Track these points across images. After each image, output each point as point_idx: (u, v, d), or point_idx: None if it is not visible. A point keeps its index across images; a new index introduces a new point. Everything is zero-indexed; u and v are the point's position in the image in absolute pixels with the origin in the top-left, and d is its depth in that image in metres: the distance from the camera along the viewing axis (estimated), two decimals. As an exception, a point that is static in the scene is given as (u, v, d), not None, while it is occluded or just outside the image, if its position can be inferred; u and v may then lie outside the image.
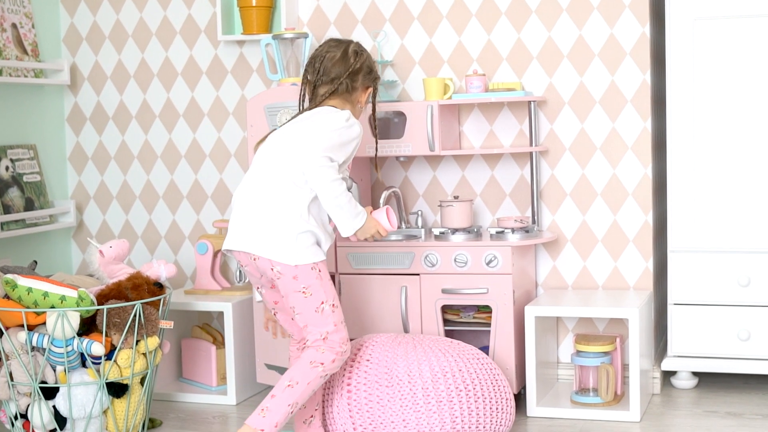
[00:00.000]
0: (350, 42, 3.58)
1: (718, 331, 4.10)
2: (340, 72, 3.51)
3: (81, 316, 3.61)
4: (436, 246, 4.02)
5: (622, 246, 4.24)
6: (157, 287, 3.80)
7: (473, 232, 4.09)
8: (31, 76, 4.60)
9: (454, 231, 4.09)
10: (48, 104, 4.79)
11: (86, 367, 3.67)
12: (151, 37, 4.73)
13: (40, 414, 3.64)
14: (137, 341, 3.70)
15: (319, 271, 3.33)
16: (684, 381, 4.24)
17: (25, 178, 4.55)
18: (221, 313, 4.67)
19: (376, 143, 3.72)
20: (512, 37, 4.30)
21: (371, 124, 3.70)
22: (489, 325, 4.09)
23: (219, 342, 4.43)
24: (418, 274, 4.05)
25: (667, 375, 4.36)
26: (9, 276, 3.62)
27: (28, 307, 3.61)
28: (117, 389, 3.68)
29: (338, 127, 3.37)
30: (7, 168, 4.47)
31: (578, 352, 3.99)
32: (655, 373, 4.20)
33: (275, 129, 3.57)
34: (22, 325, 3.62)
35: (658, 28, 4.38)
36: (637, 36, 4.16)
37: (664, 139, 4.51)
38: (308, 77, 3.56)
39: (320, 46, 3.58)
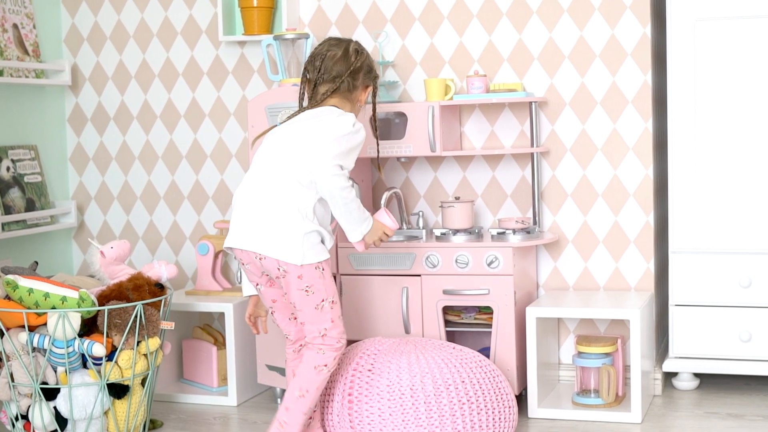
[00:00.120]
0: (350, 41, 3.58)
1: (719, 332, 4.09)
2: (342, 70, 3.51)
3: (82, 316, 3.61)
4: (437, 247, 4.02)
5: (624, 247, 4.24)
6: (158, 288, 3.80)
7: (474, 233, 4.09)
8: (32, 77, 4.60)
9: (455, 232, 4.09)
10: (49, 105, 4.79)
11: (87, 368, 3.67)
12: (152, 38, 4.73)
13: (41, 415, 3.64)
14: (138, 342, 3.70)
15: (323, 270, 3.36)
16: (685, 382, 4.24)
17: (26, 179, 4.55)
18: (222, 314, 4.67)
19: (377, 144, 3.72)
20: (513, 38, 4.30)
21: (372, 125, 3.70)
22: (490, 326, 4.09)
23: (220, 343, 4.43)
24: (419, 275, 4.05)
25: (669, 376, 4.35)
26: (10, 277, 3.62)
27: (29, 308, 3.60)
28: (118, 390, 3.68)
29: (346, 133, 3.37)
30: (8, 168, 4.47)
31: (579, 353, 3.99)
32: (656, 374, 4.20)
33: (275, 126, 3.56)
34: (23, 326, 3.62)
35: (659, 28, 4.38)
36: (638, 37, 4.16)
37: (665, 139, 4.50)
38: (308, 75, 3.56)
39: (320, 44, 3.57)
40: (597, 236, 4.26)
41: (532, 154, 4.23)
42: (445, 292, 4.00)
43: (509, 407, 3.67)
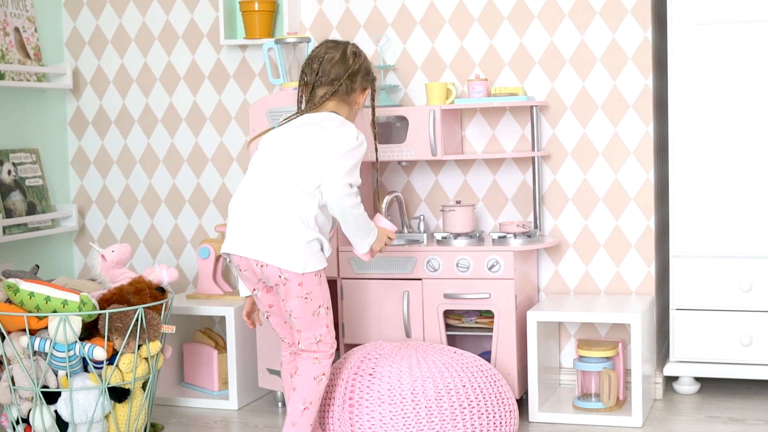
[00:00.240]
0: (347, 43, 3.58)
1: (720, 336, 4.09)
2: (340, 73, 3.51)
3: (83, 320, 3.61)
4: (438, 251, 4.02)
5: (624, 251, 4.24)
6: (159, 292, 3.80)
7: (475, 236, 4.09)
8: (34, 80, 4.60)
9: (456, 236, 4.09)
10: (50, 108, 4.79)
11: (88, 372, 3.67)
12: (153, 42, 4.73)
13: (42, 419, 3.64)
14: (139, 346, 3.70)
15: (321, 277, 3.38)
16: (686, 386, 4.23)
17: (27, 182, 4.55)
18: (223, 318, 4.67)
19: (376, 147, 3.71)
20: (514, 42, 4.30)
21: (372, 128, 3.70)
22: (491, 330, 4.09)
23: (221, 346, 4.43)
24: (420, 279, 4.05)
25: (670, 380, 4.35)
26: (11, 280, 3.62)
27: (29, 312, 3.60)
28: (119, 394, 3.68)
29: (351, 148, 3.38)
30: (9, 172, 4.47)
31: (580, 357, 3.98)
32: (657, 378, 4.20)
33: (272, 128, 3.55)
34: (24, 330, 3.62)
35: (660, 33, 4.38)
36: (639, 41, 4.16)
37: (666, 144, 4.50)
38: (306, 78, 3.55)
39: (317, 47, 3.57)
40: (598, 240, 4.26)
41: (533, 158, 4.23)
42: (446, 296, 4.00)
43: (510, 411, 3.67)
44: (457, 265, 3.99)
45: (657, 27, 4.31)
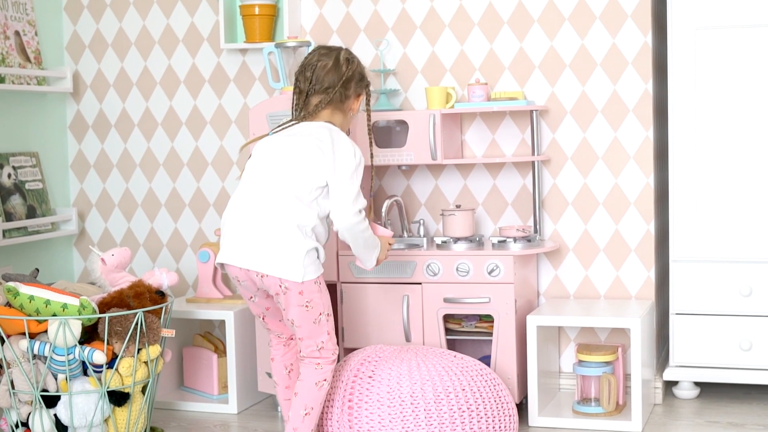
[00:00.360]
0: (340, 49, 3.57)
1: (720, 341, 4.09)
2: (333, 81, 3.50)
3: (83, 324, 3.61)
4: (438, 255, 4.02)
5: (624, 255, 4.24)
6: (159, 295, 3.80)
7: (475, 241, 4.09)
8: (34, 84, 4.60)
9: (456, 240, 4.09)
10: (50, 112, 4.79)
11: (87, 376, 3.67)
12: (153, 45, 4.74)
13: (41, 422, 3.64)
14: (139, 349, 3.70)
15: (320, 284, 3.39)
16: (686, 391, 4.23)
17: (27, 186, 4.55)
18: (223, 322, 4.67)
19: (371, 152, 3.71)
20: (514, 46, 4.30)
21: (369, 133, 3.69)
22: (491, 334, 4.09)
23: (220, 350, 4.43)
24: (420, 283, 4.05)
25: (669, 385, 4.35)
26: (11, 284, 3.62)
27: (29, 315, 3.60)
28: (118, 398, 3.68)
29: (354, 168, 3.40)
30: (9, 175, 4.47)
31: (580, 362, 3.98)
32: (656, 383, 4.19)
33: (265, 135, 3.55)
34: (24, 333, 3.61)
35: (660, 37, 4.38)
36: (639, 45, 4.16)
37: (666, 148, 4.51)
38: (300, 86, 3.55)
39: (310, 53, 3.56)
40: (598, 245, 4.26)
41: (533, 162, 4.23)
42: (445, 300, 4.00)
43: (509, 415, 3.66)
44: (456, 269, 3.99)
45: (657, 32, 4.31)
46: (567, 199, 4.29)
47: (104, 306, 3.71)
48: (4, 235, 4.36)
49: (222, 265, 3.44)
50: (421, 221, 4.30)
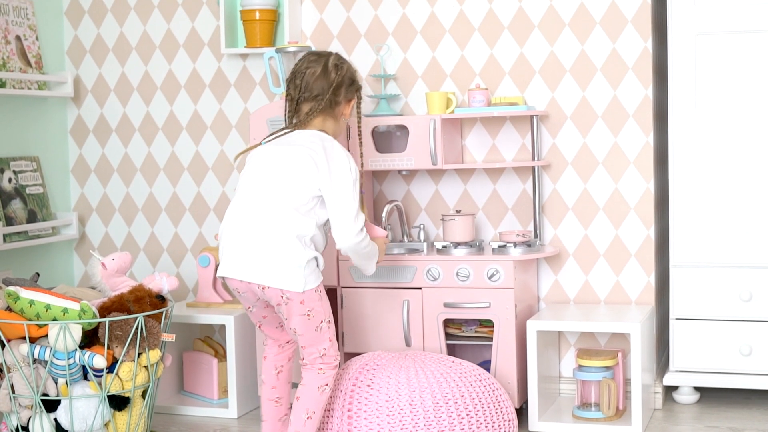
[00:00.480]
0: (329, 54, 3.56)
1: (720, 346, 4.09)
2: (323, 88, 3.50)
3: (83, 328, 3.61)
4: (438, 260, 4.02)
5: (624, 260, 4.24)
6: (159, 300, 3.80)
7: (475, 246, 4.09)
8: (35, 89, 4.61)
9: (456, 245, 4.10)
10: (51, 116, 4.80)
11: (88, 380, 3.67)
12: (154, 50, 4.74)
13: (42, 427, 3.64)
14: (139, 354, 3.70)
15: (320, 292, 3.40)
16: (686, 396, 4.23)
17: (27, 190, 4.56)
18: (223, 326, 4.67)
19: (361, 153, 3.72)
20: (515, 52, 4.31)
21: (358, 137, 3.70)
22: (491, 339, 4.09)
23: (221, 355, 4.43)
24: (420, 288, 4.05)
25: (669, 390, 4.35)
26: (11, 288, 3.62)
27: (30, 320, 3.61)
28: (118, 402, 3.68)
29: (351, 183, 3.40)
30: (10, 180, 4.47)
31: (580, 367, 3.98)
32: (656, 388, 4.20)
33: (258, 144, 3.55)
34: (24, 338, 3.62)
35: (660, 43, 4.39)
36: (639, 51, 4.17)
37: (666, 153, 4.51)
38: (290, 94, 3.55)
39: (299, 60, 3.56)
40: (598, 250, 4.26)
41: (533, 167, 4.23)
42: (445, 305, 4.00)
43: (509, 421, 3.66)
44: (457, 274, 3.99)
45: (657, 37, 4.32)
46: (567, 204, 4.29)
47: (104, 310, 3.71)
48: (4, 240, 4.36)
49: (223, 278, 3.44)
50: (422, 226, 4.31)
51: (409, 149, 4.12)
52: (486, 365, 4.24)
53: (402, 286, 4.06)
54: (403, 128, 4.26)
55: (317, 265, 3.39)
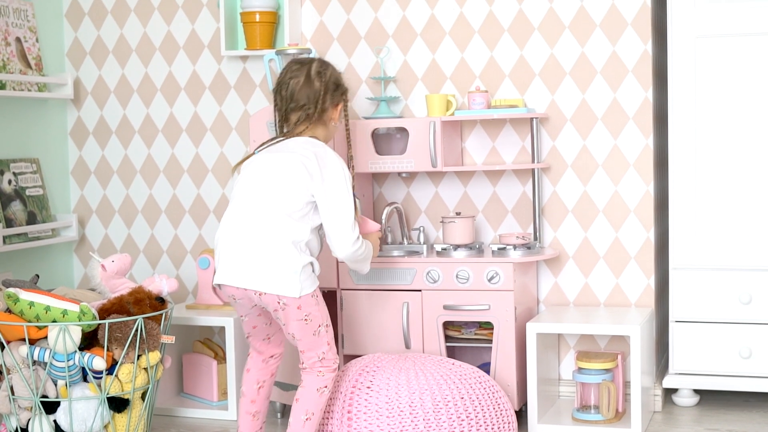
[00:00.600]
0: (312, 62, 3.57)
1: (719, 348, 4.09)
2: (308, 98, 3.51)
3: (82, 330, 3.61)
4: (437, 262, 4.02)
5: (624, 263, 4.24)
6: (159, 302, 3.80)
7: (475, 248, 4.09)
8: (35, 90, 4.61)
9: (456, 247, 4.10)
10: (51, 118, 4.80)
11: (87, 382, 3.67)
12: (154, 52, 4.74)
13: (41, 428, 3.64)
14: (139, 356, 3.70)
15: (317, 297, 3.42)
16: (685, 398, 4.23)
17: (27, 192, 4.56)
18: (222, 328, 4.67)
19: (351, 157, 3.72)
20: (515, 54, 4.31)
21: (347, 139, 3.70)
22: (490, 341, 4.09)
23: (220, 357, 4.43)
24: (419, 290, 4.05)
25: (669, 392, 4.35)
26: (11, 290, 3.62)
27: (29, 321, 3.61)
28: (118, 404, 3.68)
29: (347, 189, 3.43)
30: (9, 181, 4.47)
31: (580, 369, 3.98)
32: (656, 390, 4.19)
33: (253, 154, 3.56)
34: (24, 339, 3.62)
35: (660, 45, 4.39)
36: (639, 53, 4.17)
37: (666, 156, 4.51)
38: (278, 104, 3.57)
39: (283, 70, 3.57)
40: (597, 252, 4.27)
41: (533, 169, 4.23)
42: (445, 307, 4.00)
43: (509, 423, 3.66)
44: (456, 276, 3.99)
45: (657, 40, 4.32)
46: (567, 207, 4.29)
47: (104, 312, 3.71)
48: (4, 241, 4.36)
49: (219, 285, 3.45)
50: (421, 228, 4.31)
51: (409, 151, 4.12)
52: (486, 367, 4.23)
53: (402, 289, 4.06)
54: (403, 130, 4.26)
55: (313, 270, 3.40)
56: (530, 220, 4.33)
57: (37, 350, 3.59)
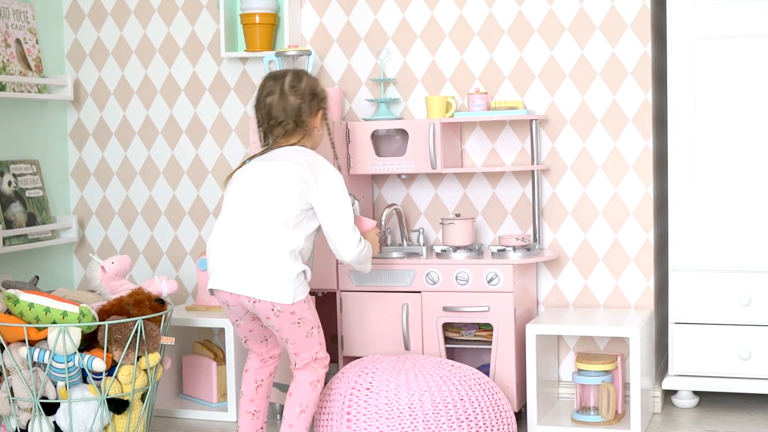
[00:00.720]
0: (286, 74, 3.57)
1: (718, 350, 4.10)
2: (285, 113, 3.52)
3: (82, 331, 3.61)
4: (437, 264, 4.02)
5: (623, 265, 4.24)
6: (159, 303, 3.80)
7: (474, 250, 4.10)
8: (35, 92, 4.61)
9: (456, 249, 4.10)
10: (51, 120, 4.80)
11: (87, 383, 3.67)
12: (154, 54, 4.75)
13: (41, 430, 3.64)
14: (138, 357, 3.70)
15: (308, 302, 3.46)
16: (685, 400, 4.23)
17: (27, 194, 4.56)
18: (222, 330, 4.67)
19: (336, 155, 3.74)
20: (514, 56, 4.31)
21: (332, 146, 3.71)
22: (490, 343, 4.09)
23: (220, 358, 4.43)
24: (419, 292, 4.05)
25: (668, 394, 4.35)
26: (11, 291, 3.62)
27: (29, 323, 3.61)
28: (118, 405, 3.68)
29: (343, 193, 3.46)
30: (9, 183, 4.48)
31: (579, 371, 3.98)
32: (655, 392, 4.20)
33: (244, 163, 3.56)
34: (24, 341, 3.62)
35: (659, 47, 4.39)
36: (638, 55, 4.17)
37: (666, 158, 4.51)
38: (258, 120, 3.58)
39: (260, 86, 3.58)
40: (597, 254, 4.27)
41: (532, 171, 4.24)
42: (445, 308, 4.00)
43: (508, 424, 3.67)
44: (456, 278, 4.00)
45: (657, 41, 4.32)
46: (566, 209, 4.29)
47: (104, 314, 3.71)
48: (4, 243, 4.36)
49: (212, 290, 3.46)
50: (421, 230, 4.31)
51: (408, 153, 4.12)
52: (485, 369, 4.24)
53: (401, 290, 4.06)
54: (402, 132, 4.26)
55: (305, 278, 3.44)
56: (530, 221, 4.33)
57: (36, 351, 3.59)
